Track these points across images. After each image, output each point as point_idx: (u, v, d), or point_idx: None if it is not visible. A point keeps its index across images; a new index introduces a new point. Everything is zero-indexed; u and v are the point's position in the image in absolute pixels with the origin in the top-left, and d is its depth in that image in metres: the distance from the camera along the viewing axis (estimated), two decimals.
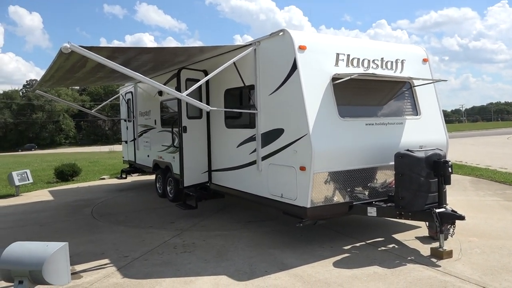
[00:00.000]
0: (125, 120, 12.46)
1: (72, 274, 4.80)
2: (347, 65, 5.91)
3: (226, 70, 6.09)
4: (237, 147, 6.76)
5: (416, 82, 6.56)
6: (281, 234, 6.44)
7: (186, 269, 5.06)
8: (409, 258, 5.15)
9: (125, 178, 12.54)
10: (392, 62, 6.36)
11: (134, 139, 11.57)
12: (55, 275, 4.07)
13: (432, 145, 5.87)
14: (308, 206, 5.31)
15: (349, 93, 5.93)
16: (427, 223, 5.83)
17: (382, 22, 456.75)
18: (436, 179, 5.25)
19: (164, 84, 7.56)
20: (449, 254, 5.07)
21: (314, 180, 5.27)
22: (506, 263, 4.87)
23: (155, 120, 9.87)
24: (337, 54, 5.84)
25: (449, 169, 5.19)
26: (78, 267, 5.27)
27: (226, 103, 7.12)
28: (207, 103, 7.51)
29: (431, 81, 6.63)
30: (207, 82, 7.24)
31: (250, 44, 6.27)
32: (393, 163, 5.52)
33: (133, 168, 12.16)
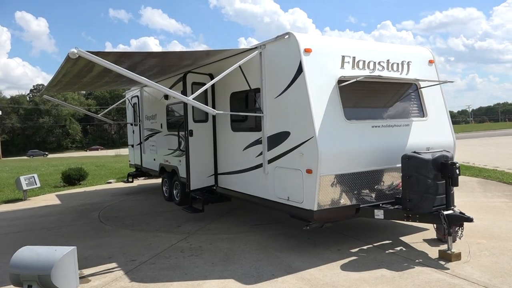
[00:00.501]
0: (131, 124, 12.52)
1: (80, 278, 4.83)
2: (353, 67, 5.90)
3: (232, 74, 6.11)
4: (243, 150, 6.77)
5: (422, 84, 6.53)
6: (288, 237, 6.43)
7: (194, 273, 5.06)
8: (417, 260, 5.12)
9: (132, 181, 12.64)
10: (398, 63, 6.34)
11: (140, 143, 11.63)
12: (63, 279, 4.11)
13: (439, 147, 5.85)
14: (315, 209, 5.30)
15: (355, 95, 5.92)
16: (435, 225, 5.81)
17: (387, 23, 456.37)
18: (444, 181, 5.22)
19: (170, 88, 7.59)
20: (458, 256, 5.03)
21: (320, 183, 5.26)
22: None
23: (161, 124, 9.91)
24: (343, 57, 5.83)
25: (457, 170, 5.15)
26: (86, 271, 5.29)
27: (232, 107, 7.13)
28: (213, 107, 7.53)
29: (438, 83, 6.59)
30: (212, 85, 7.26)
31: (255, 48, 6.28)
32: (400, 165, 5.50)
33: (140, 172, 12.22)
